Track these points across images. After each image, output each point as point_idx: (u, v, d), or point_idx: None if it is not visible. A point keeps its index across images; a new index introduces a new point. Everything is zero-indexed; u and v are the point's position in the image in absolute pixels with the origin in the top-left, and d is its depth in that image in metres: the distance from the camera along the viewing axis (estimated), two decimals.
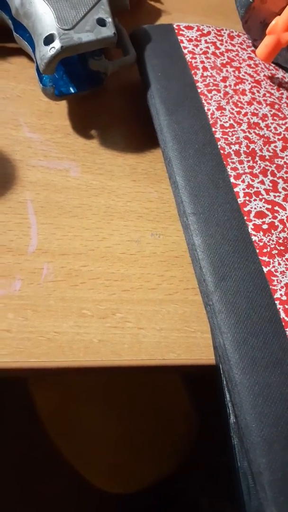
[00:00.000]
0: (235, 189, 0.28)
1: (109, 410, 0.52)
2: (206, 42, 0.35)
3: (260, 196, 0.28)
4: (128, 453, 0.52)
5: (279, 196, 0.28)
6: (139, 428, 0.53)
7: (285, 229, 0.27)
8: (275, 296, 0.25)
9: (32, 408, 0.52)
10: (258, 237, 0.27)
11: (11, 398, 0.54)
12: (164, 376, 0.53)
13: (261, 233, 0.27)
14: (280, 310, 0.25)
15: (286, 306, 0.25)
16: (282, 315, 0.24)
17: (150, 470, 0.53)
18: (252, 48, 0.37)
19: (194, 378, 0.53)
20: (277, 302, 0.25)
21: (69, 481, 0.52)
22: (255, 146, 0.30)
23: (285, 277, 0.26)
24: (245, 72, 0.34)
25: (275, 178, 0.29)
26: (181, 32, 0.35)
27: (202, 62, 0.34)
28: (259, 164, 0.30)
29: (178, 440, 0.54)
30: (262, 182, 0.29)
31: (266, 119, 0.32)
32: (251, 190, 0.28)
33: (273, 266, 0.26)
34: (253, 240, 0.27)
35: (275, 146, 0.31)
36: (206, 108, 0.31)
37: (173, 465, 0.54)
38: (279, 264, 0.26)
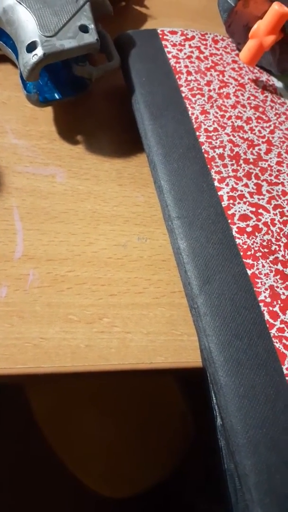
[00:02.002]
0: (219, 193, 0.28)
1: (105, 414, 0.52)
2: (190, 46, 0.35)
3: (244, 199, 0.28)
4: (124, 457, 0.52)
5: (263, 199, 0.29)
6: (134, 431, 0.53)
7: (269, 231, 0.27)
8: (259, 298, 0.25)
9: (28, 411, 0.52)
10: (242, 240, 0.27)
11: (7, 401, 0.54)
12: (159, 379, 0.53)
13: (245, 235, 0.27)
14: (265, 312, 0.25)
15: (270, 308, 0.25)
16: (266, 317, 0.25)
17: (146, 474, 0.53)
18: (236, 51, 0.37)
19: (189, 381, 0.53)
20: (261, 304, 0.25)
21: (65, 485, 0.52)
22: (239, 150, 0.31)
23: (269, 279, 0.26)
24: (229, 76, 0.35)
25: (259, 181, 0.29)
26: (165, 37, 0.35)
27: (186, 66, 0.34)
28: (243, 167, 0.30)
29: (174, 444, 0.54)
30: (246, 185, 0.29)
31: (250, 122, 0.32)
32: (235, 193, 0.28)
33: (257, 269, 0.26)
34: (237, 243, 0.27)
35: (259, 149, 0.31)
36: (190, 112, 0.32)
37: (169, 469, 0.54)
38: (263, 266, 0.26)
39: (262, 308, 0.25)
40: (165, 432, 0.54)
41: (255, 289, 0.25)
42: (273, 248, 0.27)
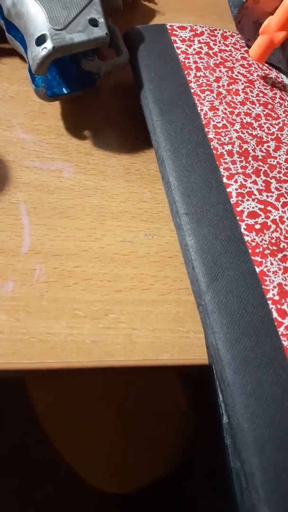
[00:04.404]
0: (228, 189, 0.28)
1: (107, 410, 0.52)
2: (199, 42, 0.35)
3: (253, 196, 0.28)
4: (126, 453, 0.52)
5: (271, 196, 0.28)
6: (136, 428, 0.53)
7: (278, 229, 0.27)
8: (267, 296, 0.25)
9: (29, 408, 0.52)
10: (250, 237, 0.27)
11: (9, 398, 0.54)
12: (161, 376, 0.53)
13: (254, 233, 0.27)
14: (273, 310, 0.25)
15: (279, 306, 0.25)
16: (275, 315, 0.24)
17: (148, 470, 0.53)
18: (246, 48, 0.37)
19: (192, 378, 0.53)
20: (269, 302, 0.25)
21: (66, 481, 0.52)
22: (248, 146, 0.30)
23: (278, 277, 0.26)
24: (238, 72, 0.34)
25: (268, 178, 0.29)
26: (174, 32, 0.35)
27: (195, 62, 0.34)
28: (252, 164, 0.30)
29: (176, 440, 0.54)
30: (255, 182, 0.29)
31: (259, 119, 0.32)
32: (243, 190, 0.28)
33: (266, 266, 0.26)
34: (246, 240, 0.27)
35: (268, 146, 0.31)
36: (199, 109, 0.31)
37: (171, 465, 0.54)
38: (272, 264, 0.26)
39: (270, 306, 0.25)
40: (167, 429, 0.54)
41: (263, 286, 0.25)
42: (281, 246, 0.27)
